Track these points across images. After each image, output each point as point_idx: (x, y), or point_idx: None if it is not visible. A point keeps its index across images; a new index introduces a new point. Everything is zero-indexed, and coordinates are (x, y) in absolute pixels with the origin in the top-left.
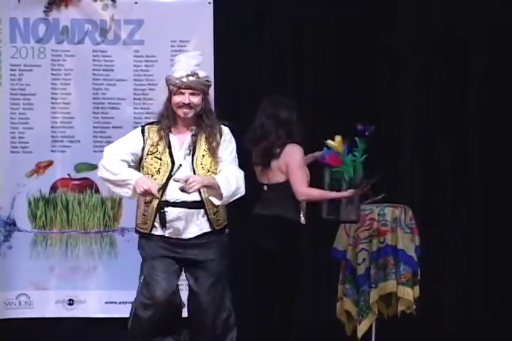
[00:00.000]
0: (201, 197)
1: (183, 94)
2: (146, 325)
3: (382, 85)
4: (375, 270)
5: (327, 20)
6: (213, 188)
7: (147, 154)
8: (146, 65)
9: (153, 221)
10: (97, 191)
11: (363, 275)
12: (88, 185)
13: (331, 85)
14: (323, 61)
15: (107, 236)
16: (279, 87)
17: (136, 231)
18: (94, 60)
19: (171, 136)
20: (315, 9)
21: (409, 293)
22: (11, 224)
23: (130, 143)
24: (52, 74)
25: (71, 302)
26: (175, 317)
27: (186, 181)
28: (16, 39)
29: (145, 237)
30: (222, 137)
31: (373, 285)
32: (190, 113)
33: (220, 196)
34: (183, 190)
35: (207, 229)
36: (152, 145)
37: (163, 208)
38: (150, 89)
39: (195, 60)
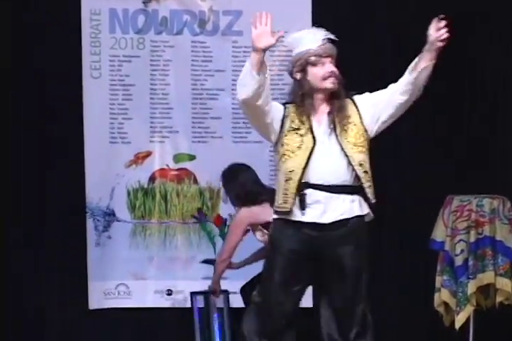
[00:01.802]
0: (356, 172)
1: (323, 64)
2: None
3: None
4: (473, 261)
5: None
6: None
7: (288, 130)
8: (244, 56)
9: (300, 201)
10: (195, 181)
11: (461, 267)
12: (186, 176)
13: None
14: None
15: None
16: (377, 81)
17: (276, 213)
18: (192, 51)
19: (311, 113)
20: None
21: (507, 284)
22: (110, 215)
23: (274, 105)
24: (151, 65)
25: (170, 292)
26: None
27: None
28: (115, 30)
29: (281, 225)
30: (359, 104)
31: (471, 277)
32: (336, 83)
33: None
34: None
35: (356, 212)
36: (292, 121)
37: (303, 190)
38: None
39: (320, 31)
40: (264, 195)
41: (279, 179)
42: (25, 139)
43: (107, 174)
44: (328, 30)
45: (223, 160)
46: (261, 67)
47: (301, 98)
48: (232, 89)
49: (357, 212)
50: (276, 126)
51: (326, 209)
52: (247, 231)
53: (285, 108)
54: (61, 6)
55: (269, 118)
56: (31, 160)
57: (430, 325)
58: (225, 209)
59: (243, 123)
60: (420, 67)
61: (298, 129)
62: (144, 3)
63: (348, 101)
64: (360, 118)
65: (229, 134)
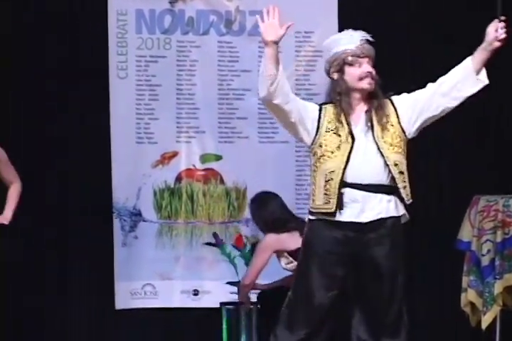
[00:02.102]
0: (391, 172)
1: (360, 65)
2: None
3: None
4: (500, 261)
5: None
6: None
7: (326, 131)
8: None
9: (337, 201)
10: (221, 182)
11: (488, 267)
12: (213, 176)
13: None
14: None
15: (231, 227)
16: (403, 80)
17: (313, 214)
18: (219, 51)
19: (348, 113)
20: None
21: None
22: (136, 215)
23: (308, 106)
24: (177, 65)
25: (196, 292)
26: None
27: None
28: (142, 30)
29: (319, 226)
30: (397, 105)
31: (498, 277)
32: (373, 83)
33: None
34: None
35: (392, 212)
36: (330, 122)
37: (341, 188)
38: None
39: (357, 32)
40: (292, 222)
41: (318, 180)
42: (52, 139)
43: (133, 174)
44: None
45: (250, 160)
46: (273, 62)
47: (338, 97)
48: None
49: (393, 213)
50: (311, 126)
51: (363, 209)
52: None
53: (321, 108)
54: (88, 7)
55: (293, 117)
56: (59, 159)
57: (457, 325)
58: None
59: (269, 123)
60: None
61: (336, 129)
62: (170, 3)
63: (387, 101)
64: (398, 118)
65: (255, 134)
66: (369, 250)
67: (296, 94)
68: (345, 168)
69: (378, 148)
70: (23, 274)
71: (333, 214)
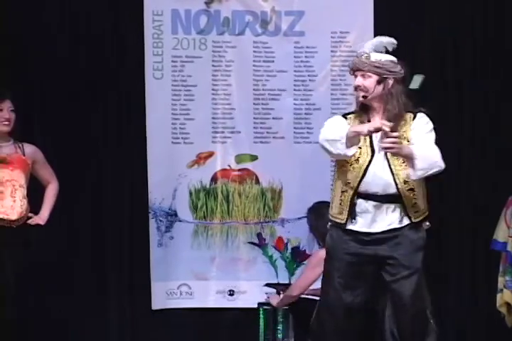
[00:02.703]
0: (398, 190)
1: (355, 76)
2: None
3: None
4: None
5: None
6: (410, 159)
7: None
8: (306, 56)
9: (349, 212)
10: (257, 182)
11: None
12: (248, 176)
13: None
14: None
15: (267, 227)
16: (440, 80)
17: (331, 221)
18: (254, 51)
19: None
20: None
21: None
22: (172, 215)
23: (341, 125)
24: (213, 65)
25: (232, 292)
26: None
27: (389, 137)
28: (178, 30)
29: (337, 231)
30: (415, 122)
31: None
32: (362, 95)
33: (415, 168)
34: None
35: (397, 224)
36: None
37: (355, 199)
38: (310, 80)
39: (369, 43)
40: None
41: (336, 188)
42: (89, 139)
43: (169, 174)
44: (389, 29)
45: (285, 160)
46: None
47: (360, 107)
48: (294, 90)
49: (406, 222)
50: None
51: (375, 219)
52: None
53: (346, 119)
54: (124, 7)
55: None
56: (95, 160)
57: (492, 325)
58: (287, 211)
59: (305, 123)
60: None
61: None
62: (206, 3)
63: (409, 115)
64: (410, 131)
65: (290, 134)
66: (387, 251)
67: (331, 94)
68: (360, 181)
69: (389, 165)
70: (60, 274)
71: (345, 224)
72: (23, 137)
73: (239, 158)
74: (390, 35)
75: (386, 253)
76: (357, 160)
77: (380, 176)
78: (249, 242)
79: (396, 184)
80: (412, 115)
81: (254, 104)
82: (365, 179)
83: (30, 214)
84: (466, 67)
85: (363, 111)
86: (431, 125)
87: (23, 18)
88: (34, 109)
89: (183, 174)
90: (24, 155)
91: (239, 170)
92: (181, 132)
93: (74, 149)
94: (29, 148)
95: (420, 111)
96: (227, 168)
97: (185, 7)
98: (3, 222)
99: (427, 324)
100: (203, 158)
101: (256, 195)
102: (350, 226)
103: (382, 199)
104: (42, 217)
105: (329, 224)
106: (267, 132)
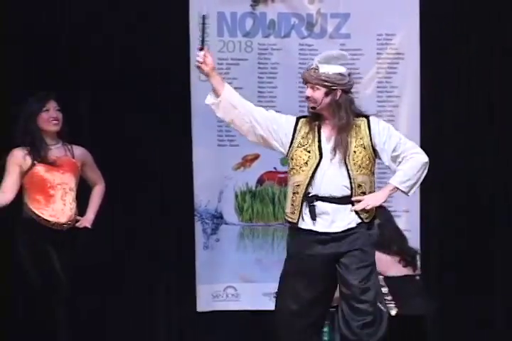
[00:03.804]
0: (351, 192)
1: (306, 87)
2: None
3: None
4: None
5: None
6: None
7: (297, 146)
8: (351, 59)
9: (301, 212)
10: None
11: None
12: None
13: None
14: None
15: None
16: (486, 82)
17: (285, 221)
18: (300, 54)
19: (322, 130)
20: None
21: None
22: (218, 217)
23: (282, 120)
24: (259, 67)
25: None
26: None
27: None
28: (224, 33)
29: (293, 230)
30: (372, 129)
31: None
32: (311, 106)
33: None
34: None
35: (354, 223)
36: (303, 137)
37: (312, 202)
38: (356, 82)
39: (318, 56)
40: (396, 244)
41: (288, 190)
42: (133, 140)
43: (215, 177)
44: (435, 32)
45: None
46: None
47: (312, 113)
48: None
49: (359, 221)
50: (285, 139)
51: (334, 219)
52: None
53: (297, 122)
54: (170, 9)
55: (260, 129)
56: (141, 161)
57: None
58: None
59: None
60: None
61: (306, 145)
62: (251, 6)
63: (362, 120)
64: (371, 141)
65: None
66: (342, 248)
67: (377, 96)
68: (308, 184)
69: (347, 170)
70: (106, 275)
71: (297, 223)
72: (70, 138)
73: (284, 161)
74: (436, 37)
75: (344, 249)
76: (306, 163)
77: (332, 179)
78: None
79: (352, 188)
80: (365, 120)
81: (299, 106)
82: (314, 181)
83: (78, 218)
84: None
85: (315, 117)
86: (388, 126)
87: (83, 28)
88: (82, 110)
89: (228, 176)
90: (74, 157)
91: (284, 172)
92: (227, 134)
93: (119, 151)
94: (78, 150)
95: (370, 115)
96: (273, 170)
97: (231, 10)
98: (53, 225)
99: (377, 311)
100: (248, 161)
101: None
102: (309, 227)
103: (339, 201)
104: (88, 219)
105: (284, 223)
106: None
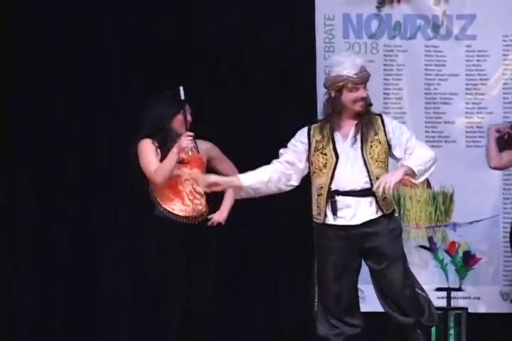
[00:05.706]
0: (371, 184)
1: (357, 89)
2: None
3: None
4: None
5: None
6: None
7: (314, 150)
8: (477, 60)
9: (325, 210)
10: (428, 186)
11: None
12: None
13: None
14: None
15: (438, 231)
16: None
17: (314, 223)
18: (426, 56)
19: (335, 131)
20: None
21: None
22: None
23: (293, 150)
24: (384, 69)
25: None
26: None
27: (382, 188)
28: (349, 35)
29: (318, 229)
30: (387, 126)
31: None
32: (364, 105)
33: (414, 176)
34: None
35: (375, 215)
36: (318, 141)
37: (333, 197)
38: (482, 84)
39: (359, 58)
40: None
41: (313, 192)
42: (253, 147)
43: None
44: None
45: (457, 164)
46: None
47: (330, 113)
48: (466, 94)
49: (380, 213)
50: (303, 148)
51: (356, 212)
52: None
53: (309, 131)
54: (296, 12)
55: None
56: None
57: None
58: (459, 215)
59: (476, 127)
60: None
61: (322, 148)
62: (377, 7)
63: (377, 117)
64: (386, 136)
65: (462, 138)
66: (370, 241)
67: (503, 97)
68: (330, 184)
69: (365, 163)
70: (234, 278)
71: (323, 223)
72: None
73: None
74: None
75: (370, 244)
76: (324, 165)
77: (351, 174)
78: (420, 246)
79: (370, 180)
80: (379, 117)
81: (425, 108)
82: (334, 181)
83: (210, 216)
84: None
85: (326, 121)
86: (400, 124)
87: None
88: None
89: None
90: (199, 152)
91: None
92: None
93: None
94: (203, 145)
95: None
96: None
97: (356, 11)
98: (185, 219)
99: (419, 298)
100: None
101: (427, 199)
102: (332, 222)
103: (359, 194)
104: (222, 214)
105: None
106: (439, 136)
